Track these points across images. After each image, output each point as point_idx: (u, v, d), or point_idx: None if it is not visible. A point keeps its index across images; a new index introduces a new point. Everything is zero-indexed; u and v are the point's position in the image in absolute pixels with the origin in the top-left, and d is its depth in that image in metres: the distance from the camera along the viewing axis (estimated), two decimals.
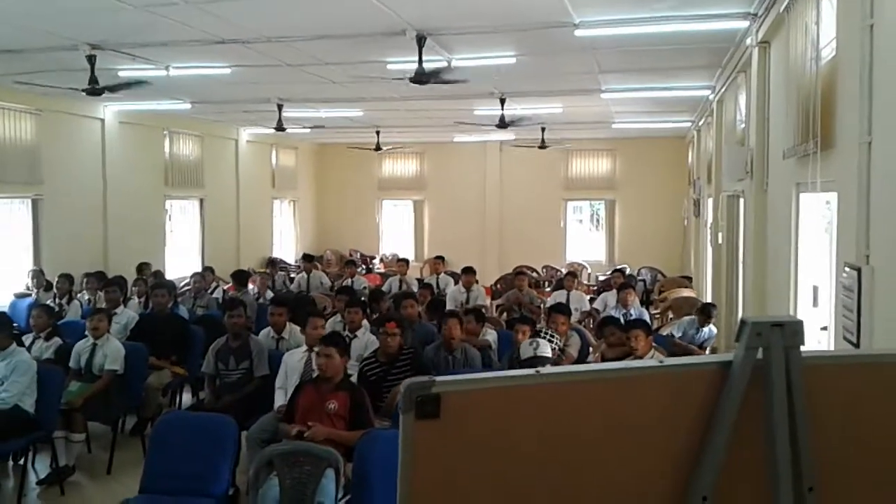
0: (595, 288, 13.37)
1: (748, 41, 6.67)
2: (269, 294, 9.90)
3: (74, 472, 5.97)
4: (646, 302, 12.35)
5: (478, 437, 1.43)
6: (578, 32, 6.59)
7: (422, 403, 1.38)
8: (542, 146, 14.82)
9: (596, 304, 9.87)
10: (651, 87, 9.97)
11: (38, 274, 10.08)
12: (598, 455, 1.50)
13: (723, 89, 9.20)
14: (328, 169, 19.53)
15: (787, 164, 5.31)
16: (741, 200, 7.80)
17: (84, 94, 7.63)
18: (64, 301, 9.08)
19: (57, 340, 6.77)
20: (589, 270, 16.41)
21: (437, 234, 18.47)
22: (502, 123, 11.02)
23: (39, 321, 6.82)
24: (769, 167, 6.36)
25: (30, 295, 9.69)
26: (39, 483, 5.84)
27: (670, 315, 10.29)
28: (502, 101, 10.57)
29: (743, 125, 7.64)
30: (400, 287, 10.63)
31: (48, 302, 8.56)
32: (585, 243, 18.30)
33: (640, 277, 14.41)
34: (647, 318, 8.55)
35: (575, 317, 8.89)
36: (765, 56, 6.42)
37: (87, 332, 6.62)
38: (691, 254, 14.95)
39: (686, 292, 11.90)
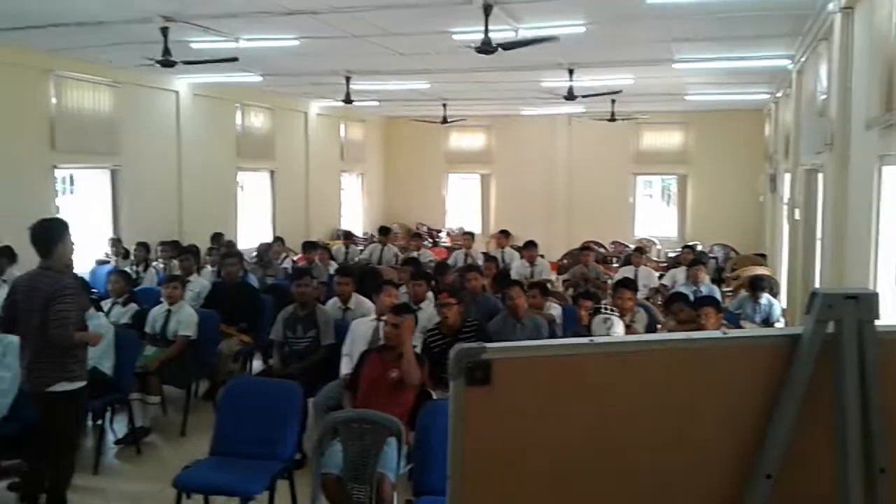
0: (664, 264, 13.12)
1: (830, 6, 6.35)
2: (333, 265, 10.02)
3: (150, 433, 6.23)
4: (718, 280, 12.05)
5: (529, 405, 1.41)
6: None
7: (472, 370, 1.38)
8: (612, 119, 14.52)
9: (664, 281, 9.70)
10: (726, 56, 9.62)
11: (116, 242, 10.47)
12: (654, 428, 1.46)
13: (803, 59, 8.81)
14: (396, 142, 19.62)
15: (870, 135, 5.06)
16: (820, 175, 7.50)
17: (158, 66, 7.80)
18: (140, 268, 9.44)
19: (133, 306, 7.03)
20: (659, 247, 16.09)
21: (504, 209, 18.38)
22: (570, 95, 10.84)
23: (117, 287, 7.09)
24: (851, 139, 6.08)
25: (109, 262, 10.07)
26: (117, 443, 6.13)
27: (743, 293, 10.02)
28: (570, 72, 10.38)
29: (824, 96, 7.32)
30: (465, 260, 10.64)
31: (126, 269, 8.87)
32: (656, 219, 17.95)
33: (711, 255, 14.07)
34: (717, 295, 8.35)
35: (643, 293, 8.76)
36: (848, 22, 6.10)
37: (162, 299, 6.86)
38: (766, 231, 14.50)
39: (760, 270, 11.55)
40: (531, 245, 10.25)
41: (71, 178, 10.95)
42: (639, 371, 1.43)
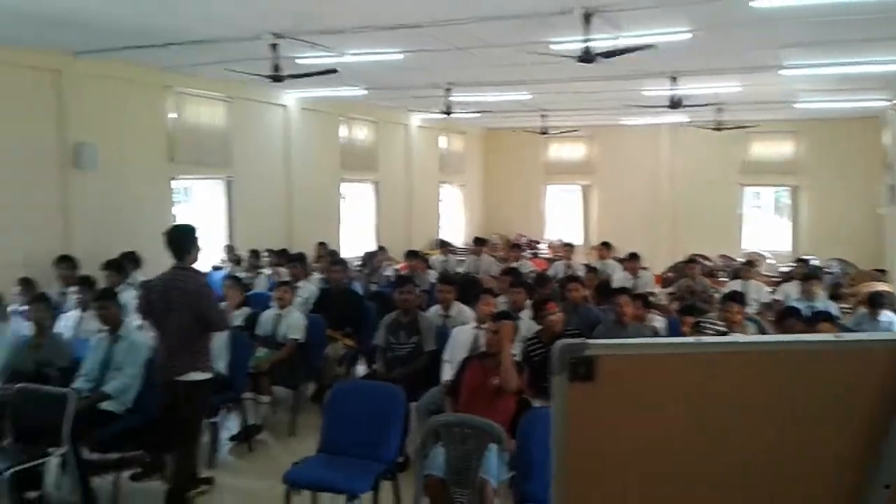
0: (776, 279, 12.62)
1: None
2: (431, 274, 10.15)
3: (261, 431, 6.51)
4: (834, 296, 11.51)
5: (633, 403, 1.42)
6: (754, 3, 6.22)
7: (575, 365, 1.38)
8: (718, 128, 14.14)
9: (776, 296, 9.36)
10: (839, 62, 9.20)
11: (230, 249, 10.98)
12: (763, 433, 1.44)
13: None
14: (495, 153, 19.71)
15: None
16: None
17: (269, 81, 8.16)
18: (252, 274, 9.87)
19: (246, 310, 7.37)
20: (770, 260, 15.47)
21: (605, 220, 18.15)
22: (674, 104, 10.63)
23: (230, 291, 7.45)
24: None
25: (223, 268, 10.57)
26: (231, 439, 6.42)
27: (861, 310, 9.54)
28: (674, 80, 10.19)
29: None
30: (565, 272, 10.58)
31: (238, 274, 9.29)
32: (766, 232, 17.31)
33: (827, 270, 13.42)
34: (834, 311, 7.99)
35: (753, 308, 8.49)
36: None
37: (272, 303, 7.16)
38: (886, 244, 13.74)
39: (880, 286, 10.95)
40: (634, 257, 10.13)
41: (186, 188, 11.55)
42: (748, 373, 1.43)
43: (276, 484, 4.52)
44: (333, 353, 7.28)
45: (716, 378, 1.42)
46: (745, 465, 1.45)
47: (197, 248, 5.02)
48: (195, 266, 5.10)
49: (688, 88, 10.74)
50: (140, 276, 8.12)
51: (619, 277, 9.95)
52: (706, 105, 11.61)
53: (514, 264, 10.98)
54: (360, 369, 7.87)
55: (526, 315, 6.74)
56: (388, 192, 15.58)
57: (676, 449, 1.44)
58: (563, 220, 19.20)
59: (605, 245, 12.14)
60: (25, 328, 6.34)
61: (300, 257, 9.50)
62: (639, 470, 1.45)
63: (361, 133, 14.90)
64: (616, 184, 18.06)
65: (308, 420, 6.46)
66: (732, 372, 1.43)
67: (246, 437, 6.25)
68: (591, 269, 10.34)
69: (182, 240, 4.96)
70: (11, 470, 4.60)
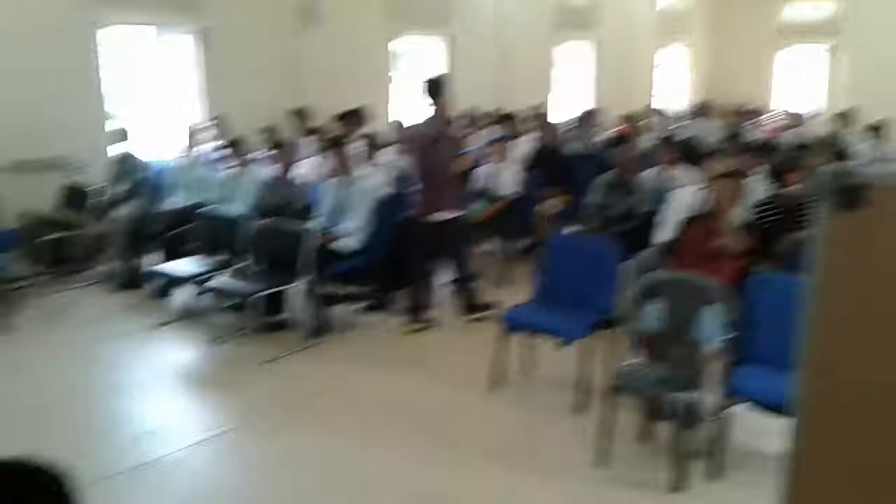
0: None
1: None
2: (646, 138, 9.78)
3: (479, 277, 6.81)
4: None
5: None
6: None
7: (841, 193, 1.28)
8: None
9: None
10: None
11: None
12: None
13: None
14: (724, 12, 18.06)
15: None
16: None
17: None
18: (468, 131, 10.05)
19: None
20: None
21: (853, 85, 16.22)
22: None
23: None
24: None
25: None
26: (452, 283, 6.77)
27: None
28: None
29: None
30: (794, 140, 9.75)
31: None
32: None
33: None
34: None
35: None
36: None
37: (490, 159, 7.31)
38: None
39: None
40: (882, 126, 9.09)
41: (399, 54, 11.67)
42: None
43: (492, 325, 4.74)
44: (546, 209, 7.36)
45: None
46: None
47: (447, 97, 5.61)
48: (447, 112, 5.68)
49: None
50: (369, 129, 8.53)
51: (862, 148, 9.02)
52: None
53: (741, 130, 10.31)
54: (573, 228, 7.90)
55: (752, 180, 6.35)
56: (606, 53, 14.94)
57: None
58: (799, 86, 17.45)
59: (844, 115, 11.04)
60: (267, 172, 6.96)
61: (511, 117, 9.52)
62: None
63: None
64: (868, 43, 15.92)
65: (520, 272, 6.64)
66: None
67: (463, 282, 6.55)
68: (824, 139, 9.45)
69: (436, 87, 5.58)
70: (260, 294, 5.21)
